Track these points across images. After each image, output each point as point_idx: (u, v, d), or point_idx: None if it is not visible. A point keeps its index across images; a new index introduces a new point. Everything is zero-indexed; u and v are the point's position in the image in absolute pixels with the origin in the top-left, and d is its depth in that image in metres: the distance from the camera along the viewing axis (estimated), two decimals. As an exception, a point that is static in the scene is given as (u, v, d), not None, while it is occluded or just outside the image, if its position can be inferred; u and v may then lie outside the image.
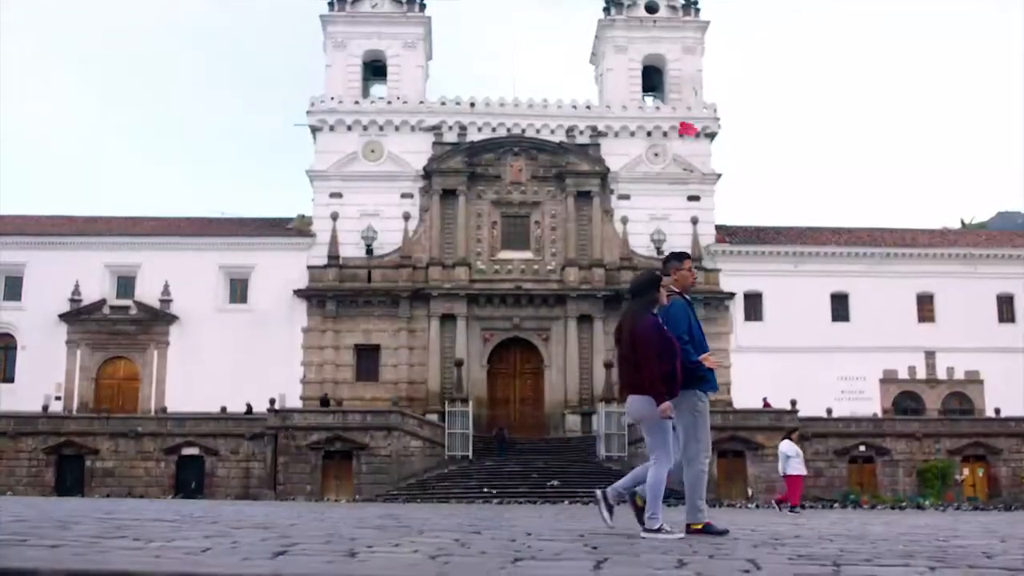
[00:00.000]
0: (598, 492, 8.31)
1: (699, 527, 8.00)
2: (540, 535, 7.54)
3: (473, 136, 50.40)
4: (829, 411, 44.03)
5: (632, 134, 50.72)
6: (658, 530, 7.49)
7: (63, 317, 47.74)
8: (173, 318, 48.01)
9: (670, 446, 7.98)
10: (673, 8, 52.87)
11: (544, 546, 6.07)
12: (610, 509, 8.18)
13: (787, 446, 24.02)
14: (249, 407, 43.82)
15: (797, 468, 23.69)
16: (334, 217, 48.77)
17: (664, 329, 7.98)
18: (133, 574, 3.96)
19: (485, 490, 37.51)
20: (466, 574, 4.11)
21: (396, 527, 8.64)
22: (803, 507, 23.75)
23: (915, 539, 7.80)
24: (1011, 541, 7.57)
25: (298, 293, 48.15)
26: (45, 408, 44.85)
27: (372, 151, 50.08)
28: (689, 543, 6.72)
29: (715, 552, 5.80)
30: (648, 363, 7.78)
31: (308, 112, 50.64)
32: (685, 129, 49.57)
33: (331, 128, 50.30)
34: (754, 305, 49.56)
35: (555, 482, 39.11)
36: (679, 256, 8.97)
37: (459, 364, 45.63)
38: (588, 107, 51.62)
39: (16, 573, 4.06)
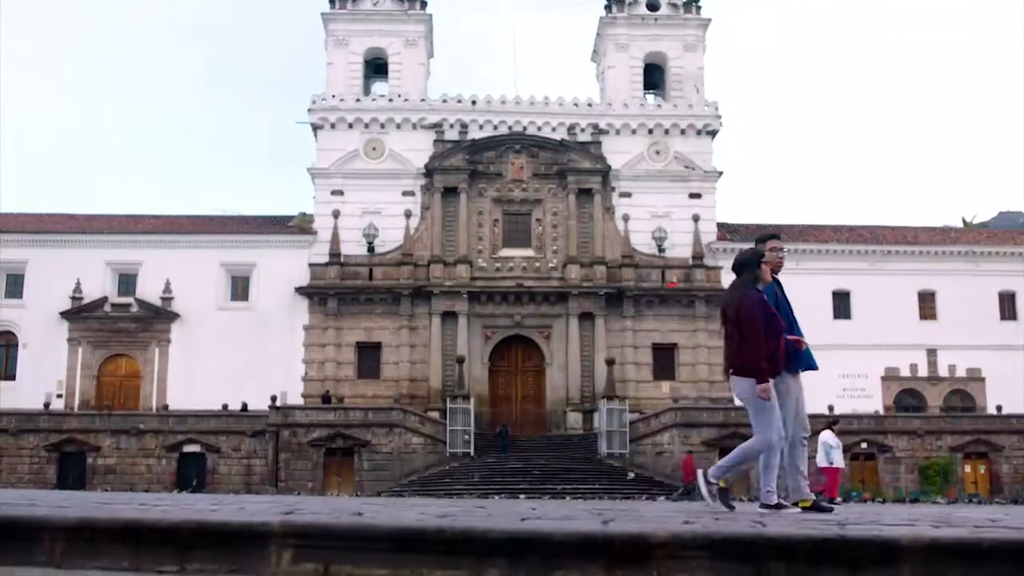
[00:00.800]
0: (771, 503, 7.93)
1: (723, 485, 7.93)
2: (546, 508, 7.56)
3: (474, 134, 50.39)
4: (831, 408, 43.91)
5: (633, 132, 50.70)
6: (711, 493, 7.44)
7: (64, 315, 47.71)
8: (174, 316, 48.00)
9: (775, 424, 7.81)
10: (674, 6, 52.84)
11: (551, 512, 6.08)
12: (778, 508, 7.87)
13: (829, 436, 23.61)
14: (244, 405, 43.81)
15: (838, 460, 23.45)
16: (335, 215, 48.75)
17: (769, 306, 7.91)
18: (142, 522, 3.95)
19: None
20: (471, 523, 4.11)
21: (401, 504, 8.66)
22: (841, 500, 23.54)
23: (918, 514, 7.82)
24: (1014, 514, 7.58)
25: (299, 291, 48.13)
26: (47, 405, 44.79)
27: (373, 149, 50.09)
28: (699, 511, 6.72)
29: (720, 516, 5.80)
30: (755, 340, 7.71)
31: (309, 110, 50.65)
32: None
33: (332, 126, 50.32)
34: (755, 302, 49.44)
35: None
36: (767, 238, 8.89)
37: (460, 361, 45.60)
38: (589, 105, 51.62)
39: (26, 522, 4.07)
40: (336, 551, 3.85)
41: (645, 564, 3.82)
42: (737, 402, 8.55)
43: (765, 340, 7.71)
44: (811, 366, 8.51)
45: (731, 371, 8.01)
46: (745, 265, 8.20)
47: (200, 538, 3.93)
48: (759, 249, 8.48)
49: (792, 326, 8.38)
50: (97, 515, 3.93)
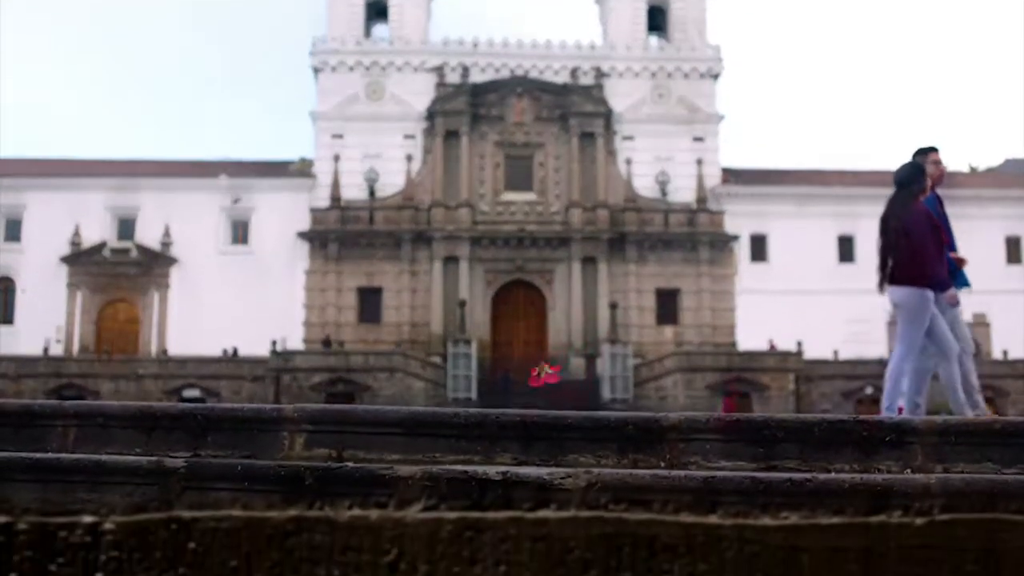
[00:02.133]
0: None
1: None
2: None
3: (476, 77, 49.92)
4: (835, 353, 44.05)
5: (636, 75, 50.30)
6: None
7: (64, 259, 47.59)
8: (174, 260, 47.90)
9: (919, 340, 7.74)
10: (677, -54, 52.16)
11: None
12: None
13: None
14: (235, 351, 43.77)
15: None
16: (336, 159, 48.50)
17: (935, 218, 7.83)
18: (154, 408, 3.97)
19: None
20: (484, 409, 4.11)
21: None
22: None
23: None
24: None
25: (300, 235, 48.00)
26: (45, 350, 44.86)
27: (374, 92, 49.72)
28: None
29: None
30: (924, 250, 7.65)
31: (311, 53, 50.23)
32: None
33: (333, 69, 49.88)
34: (759, 247, 49.33)
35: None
36: (927, 150, 8.75)
37: (462, 305, 45.60)
38: (592, 47, 51.15)
39: (39, 409, 4.09)
40: (349, 435, 3.89)
41: (657, 446, 3.86)
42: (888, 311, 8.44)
43: (935, 250, 7.68)
44: (967, 284, 8.42)
45: (889, 281, 7.89)
46: (910, 178, 8.09)
47: (213, 424, 3.96)
48: (919, 162, 8.36)
49: (952, 241, 8.30)
50: (110, 403, 3.95)
